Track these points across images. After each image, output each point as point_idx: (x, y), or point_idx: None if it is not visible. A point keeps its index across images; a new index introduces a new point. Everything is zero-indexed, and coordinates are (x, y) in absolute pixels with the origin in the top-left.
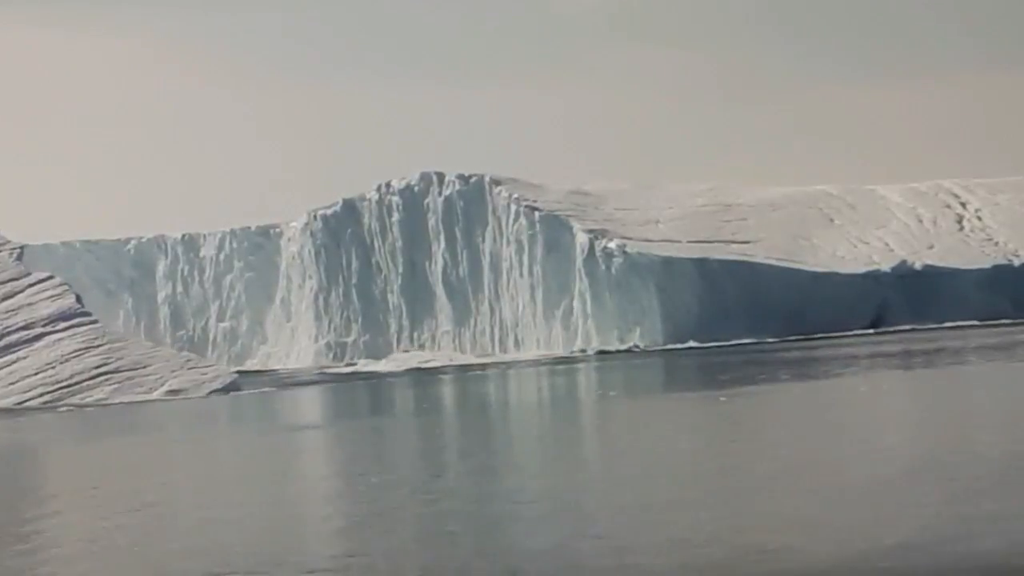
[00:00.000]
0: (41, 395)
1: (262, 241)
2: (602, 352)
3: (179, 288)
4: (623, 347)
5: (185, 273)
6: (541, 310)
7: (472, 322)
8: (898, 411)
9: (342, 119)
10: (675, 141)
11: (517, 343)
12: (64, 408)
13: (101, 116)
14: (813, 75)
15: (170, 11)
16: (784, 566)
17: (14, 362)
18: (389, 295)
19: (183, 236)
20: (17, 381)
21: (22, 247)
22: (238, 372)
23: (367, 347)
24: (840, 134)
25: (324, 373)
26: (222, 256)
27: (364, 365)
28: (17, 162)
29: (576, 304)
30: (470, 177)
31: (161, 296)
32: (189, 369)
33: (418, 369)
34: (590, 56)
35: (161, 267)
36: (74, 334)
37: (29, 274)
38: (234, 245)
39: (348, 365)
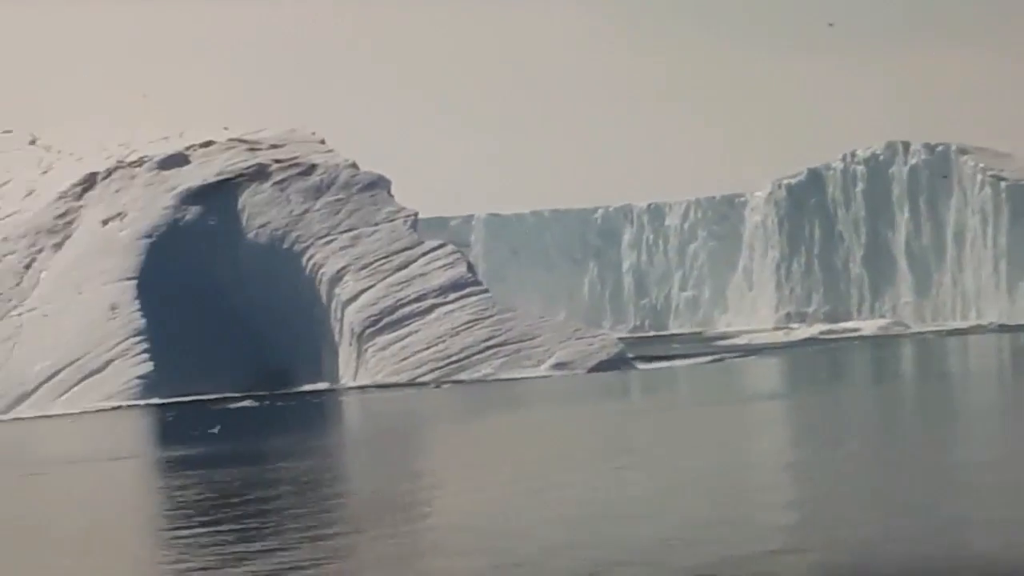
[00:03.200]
0: (432, 370)
1: (726, 210)
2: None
3: (643, 257)
4: None
5: (650, 242)
6: (1005, 281)
7: (933, 292)
8: None
9: (807, 87)
10: None
11: (978, 314)
12: (449, 384)
13: (580, 88)
14: None
15: None
16: None
17: (406, 336)
18: (851, 265)
19: (649, 205)
20: (408, 357)
21: (416, 214)
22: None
23: (827, 317)
24: None
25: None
26: (686, 225)
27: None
28: (490, 132)
29: None
30: (936, 146)
31: (626, 265)
32: (577, 339)
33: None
34: None
35: (627, 236)
36: (464, 305)
37: (422, 243)
38: (698, 214)
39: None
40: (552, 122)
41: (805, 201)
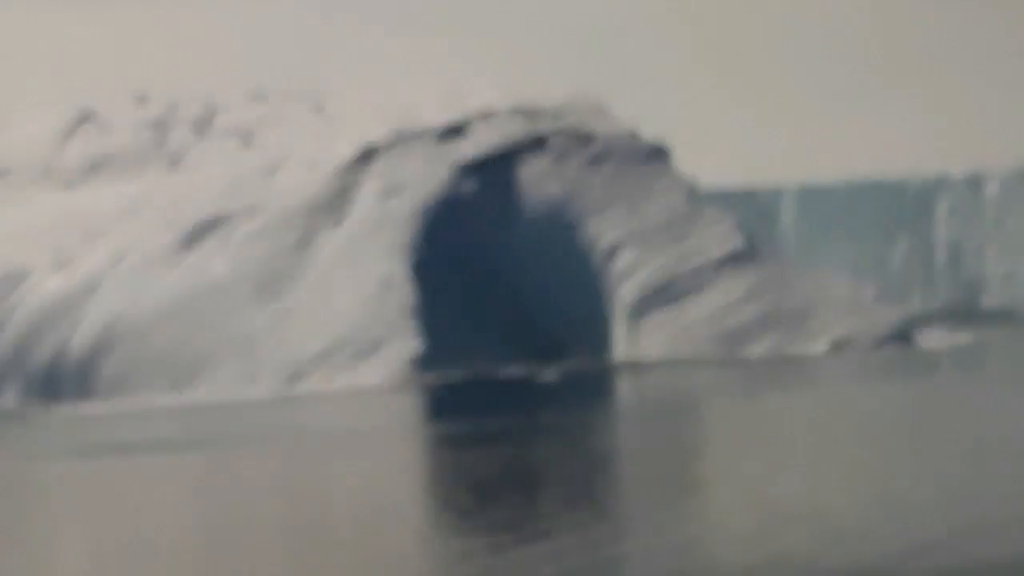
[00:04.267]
0: (705, 347)
1: None
2: None
3: (959, 228)
4: None
5: (966, 213)
6: None
7: None
8: None
9: None
10: None
11: None
12: (718, 362)
13: (896, 53)
14: None
15: None
16: None
17: (680, 312)
18: None
19: (966, 175)
20: (681, 333)
21: (693, 184)
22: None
23: None
24: None
25: None
26: (1005, 196)
27: None
28: (804, 100)
29: None
30: None
31: (940, 236)
32: (855, 314)
33: None
34: None
35: (942, 206)
36: (739, 279)
37: (699, 213)
38: (1018, 185)
39: None
40: (866, 90)
41: None
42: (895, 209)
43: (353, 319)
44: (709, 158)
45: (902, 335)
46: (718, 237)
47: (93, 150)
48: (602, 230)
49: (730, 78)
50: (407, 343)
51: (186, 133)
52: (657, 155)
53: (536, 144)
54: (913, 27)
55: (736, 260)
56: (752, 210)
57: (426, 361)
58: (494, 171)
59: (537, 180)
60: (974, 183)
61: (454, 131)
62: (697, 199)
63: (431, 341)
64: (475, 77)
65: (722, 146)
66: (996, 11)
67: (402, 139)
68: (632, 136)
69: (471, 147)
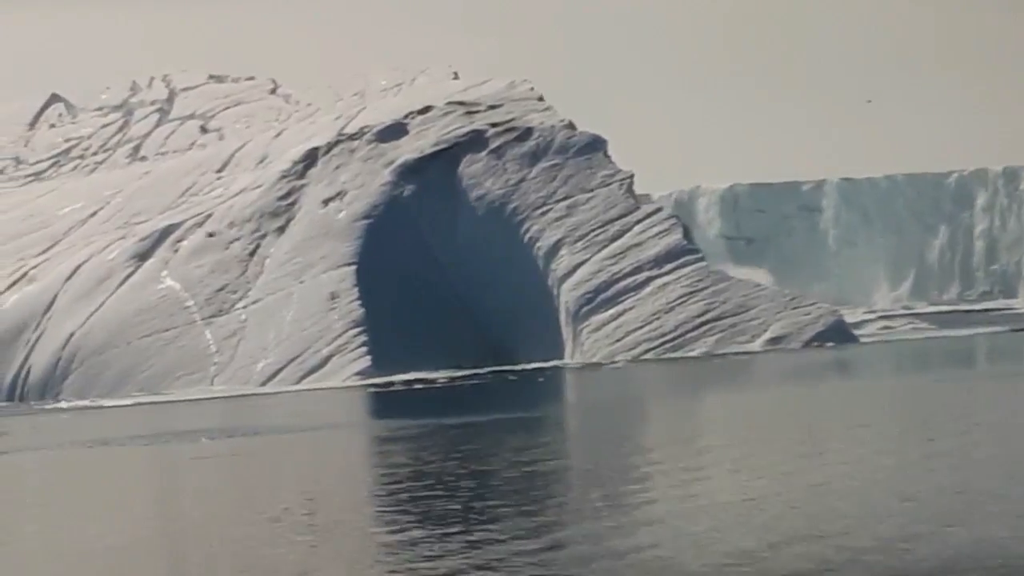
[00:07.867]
0: (646, 351)
1: None
2: None
3: (996, 222)
4: None
5: (1004, 207)
6: None
7: None
8: None
9: None
10: None
11: None
12: (659, 362)
13: (934, 48)
14: None
15: None
16: None
17: (620, 315)
18: None
19: (1004, 169)
20: (623, 337)
21: (631, 176)
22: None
23: None
24: None
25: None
26: None
27: None
28: (844, 95)
29: None
30: None
31: (978, 230)
32: (792, 309)
33: None
34: None
35: (981, 200)
36: (679, 276)
37: (638, 208)
38: None
39: None
40: (908, 87)
41: None
42: (935, 203)
43: (299, 336)
44: (752, 154)
45: (839, 329)
46: (656, 232)
47: (59, 138)
48: (541, 230)
49: (772, 76)
50: (352, 362)
51: (148, 118)
52: (594, 146)
53: (474, 142)
54: (951, 24)
55: (674, 256)
56: (794, 203)
57: (375, 370)
58: (434, 171)
59: (476, 179)
60: (1011, 177)
61: (393, 131)
62: (633, 193)
63: (379, 350)
64: (414, 70)
65: (765, 142)
66: None
67: (343, 142)
68: (569, 127)
69: (409, 147)
